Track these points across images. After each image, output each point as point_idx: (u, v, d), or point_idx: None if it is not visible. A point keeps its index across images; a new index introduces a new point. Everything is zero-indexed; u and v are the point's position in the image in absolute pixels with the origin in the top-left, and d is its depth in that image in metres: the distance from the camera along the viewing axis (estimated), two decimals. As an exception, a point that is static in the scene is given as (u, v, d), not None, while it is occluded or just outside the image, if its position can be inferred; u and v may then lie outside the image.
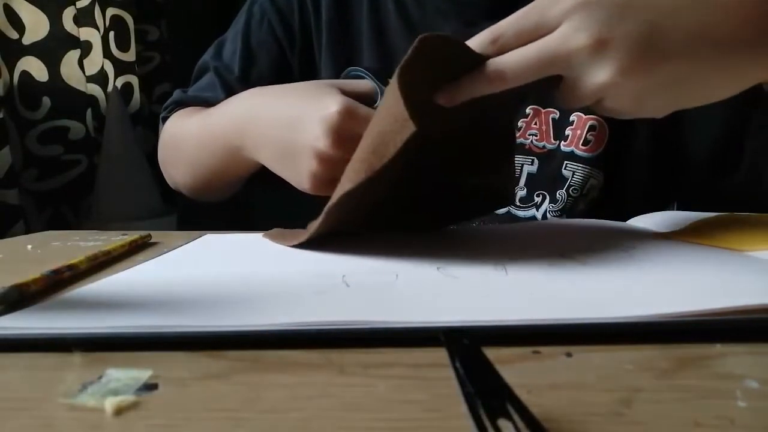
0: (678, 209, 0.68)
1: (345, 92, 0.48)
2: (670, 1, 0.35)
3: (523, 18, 0.37)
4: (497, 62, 0.37)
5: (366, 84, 0.51)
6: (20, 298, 0.31)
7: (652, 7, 0.35)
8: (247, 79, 0.69)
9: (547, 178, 0.62)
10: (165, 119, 0.72)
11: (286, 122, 0.49)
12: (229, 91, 0.67)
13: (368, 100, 0.49)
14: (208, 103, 0.67)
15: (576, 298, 0.29)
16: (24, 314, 0.29)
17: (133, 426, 0.19)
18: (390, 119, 0.36)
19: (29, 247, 0.53)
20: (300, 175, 0.49)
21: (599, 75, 0.35)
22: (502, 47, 0.37)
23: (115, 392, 0.21)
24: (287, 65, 0.70)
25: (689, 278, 0.32)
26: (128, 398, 0.21)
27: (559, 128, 0.61)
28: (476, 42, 0.38)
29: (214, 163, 0.62)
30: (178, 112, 0.70)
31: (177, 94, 0.73)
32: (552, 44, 0.35)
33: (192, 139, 0.64)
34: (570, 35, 0.35)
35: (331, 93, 0.47)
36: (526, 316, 0.26)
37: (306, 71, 0.70)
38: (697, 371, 0.22)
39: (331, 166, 0.46)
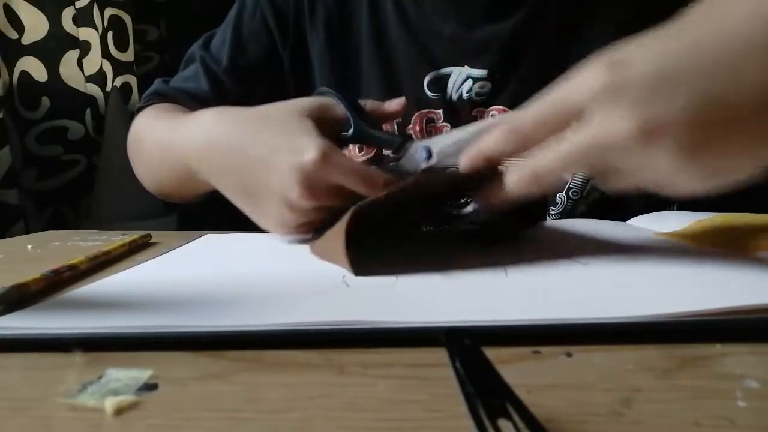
0: (678, 209, 0.68)
1: (320, 118, 0.46)
2: (713, 60, 0.28)
3: (546, 108, 0.33)
4: (534, 166, 0.32)
5: (340, 108, 0.48)
6: (20, 298, 0.31)
7: (699, 74, 0.28)
8: (234, 70, 0.67)
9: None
10: (141, 109, 0.67)
11: (254, 160, 0.44)
12: (215, 82, 0.65)
13: (344, 125, 0.48)
14: (190, 95, 0.65)
15: (576, 298, 0.29)
16: (24, 314, 0.29)
17: (133, 426, 0.19)
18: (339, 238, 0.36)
19: (29, 247, 0.53)
20: (266, 218, 0.46)
21: (656, 165, 0.29)
22: (524, 143, 0.33)
23: (115, 392, 0.21)
24: (278, 58, 0.68)
25: (689, 278, 0.32)
26: (128, 398, 0.21)
27: None
28: (495, 139, 0.34)
29: (172, 176, 0.58)
30: (152, 107, 0.66)
31: (157, 84, 0.68)
32: (589, 137, 0.30)
33: (156, 144, 0.60)
34: (608, 124, 0.29)
35: (306, 133, 0.43)
36: (526, 316, 0.26)
37: (298, 67, 0.69)
38: (697, 371, 0.22)
39: (302, 215, 0.44)
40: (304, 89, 0.67)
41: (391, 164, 0.47)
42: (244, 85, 0.67)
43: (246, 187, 0.46)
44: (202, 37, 0.72)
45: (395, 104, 0.51)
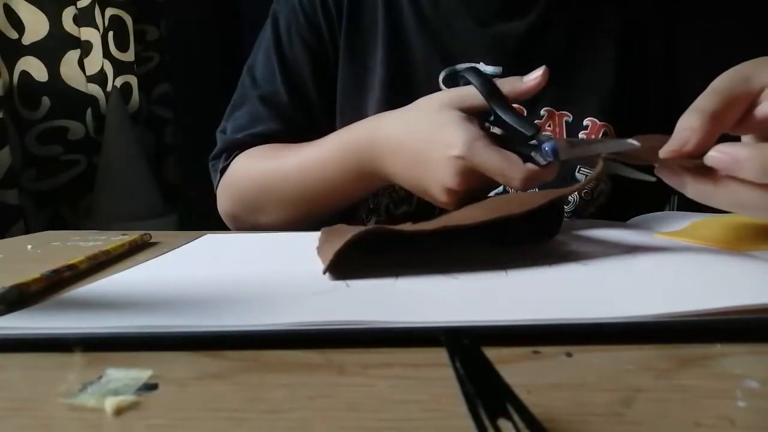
0: (678, 209, 0.68)
1: (466, 107, 0.48)
2: None
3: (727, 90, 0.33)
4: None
5: (478, 96, 0.48)
6: (20, 298, 0.31)
7: None
8: (294, 99, 0.67)
9: (560, 180, 0.62)
10: (224, 169, 0.68)
11: (416, 156, 0.51)
12: (282, 117, 0.66)
13: (484, 111, 0.48)
14: (265, 137, 0.66)
15: (576, 298, 0.29)
16: (24, 314, 0.29)
17: (133, 426, 0.19)
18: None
19: (29, 247, 0.53)
20: (435, 201, 0.52)
21: None
22: (714, 125, 0.32)
23: (115, 392, 0.21)
24: (327, 71, 0.68)
25: (689, 278, 0.32)
26: (128, 398, 0.21)
27: (573, 131, 0.61)
28: (692, 125, 0.33)
29: (326, 190, 0.60)
30: (246, 155, 0.67)
31: (223, 138, 0.69)
32: None
33: (296, 173, 0.61)
34: None
35: (455, 126, 0.47)
36: (526, 316, 0.26)
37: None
38: (697, 371, 0.22)
39: (463, 196, 0.49)
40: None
41: (525, 150, 0.46)
42: (306, 111, 0.68)
43: (413, 178, 0.52)
44: (245, 72, 0.71)
45: (533, 80, 0.48)
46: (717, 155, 0.31)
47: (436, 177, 0.48)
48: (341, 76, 0.68)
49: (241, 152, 0.67)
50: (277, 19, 0.70)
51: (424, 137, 0.50)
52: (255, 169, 0.65)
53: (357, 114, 0.63)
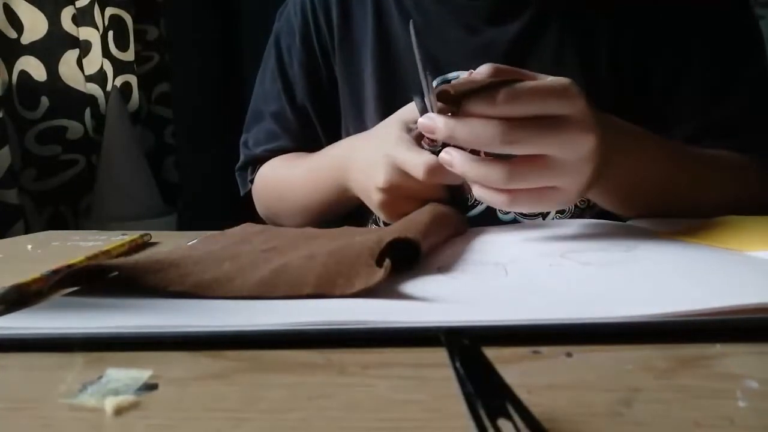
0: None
1: (406, 120, 0.50)
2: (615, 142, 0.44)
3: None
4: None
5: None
6: (20, 298, 0.31)
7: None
8: (299, 119, 0.72)
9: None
10: (252, 180, 0.75)
11: (362, 166, 0.54)
12: (292, 133, 0.72)
13: None
14: (281, 151, 0.72)
15: (576, 298, 0.29)
16: (24, 314, 0.29)
17: (133, 426, 0.19)
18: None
19: (29, 247, 0.53)
20: (373, 204, 0.53)
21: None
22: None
23: (115, 392, 0.21)
24: (324, 90, 0.71)
25: (689, 278, 0.32)
26: (128, 398, 0.21)
27: None
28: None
29: (323, 197, 0.64)
30: (268, 164, 0.73)
31: (246, 152, 0.75)
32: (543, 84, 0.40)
33: (299, 180, 0.67)
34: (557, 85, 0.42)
35: (386, 131, 0.51)
36: (526, 316, 0.26)
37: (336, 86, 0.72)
38: (697, 371, 0.22)
39: (395, 198, 0.50)
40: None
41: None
42: (310, 128, 0.72)
43: (361, 188, 0.54)
44: (257, 84, 0.76)
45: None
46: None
47: (372, 179, 0.50)
48: (341, 92, 0.70)
49: (262, 165, 0.73)
50: (279, 39, 0.73)
51: (369, 148, 0.53)
52: (273, 179, 0.72)
53: (358, 127, 0.67)
